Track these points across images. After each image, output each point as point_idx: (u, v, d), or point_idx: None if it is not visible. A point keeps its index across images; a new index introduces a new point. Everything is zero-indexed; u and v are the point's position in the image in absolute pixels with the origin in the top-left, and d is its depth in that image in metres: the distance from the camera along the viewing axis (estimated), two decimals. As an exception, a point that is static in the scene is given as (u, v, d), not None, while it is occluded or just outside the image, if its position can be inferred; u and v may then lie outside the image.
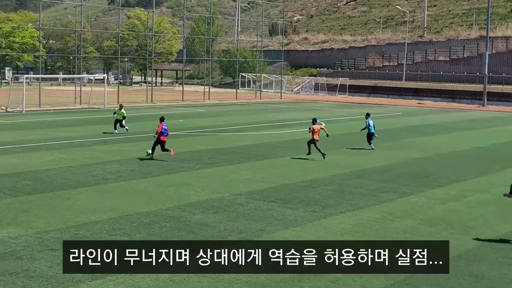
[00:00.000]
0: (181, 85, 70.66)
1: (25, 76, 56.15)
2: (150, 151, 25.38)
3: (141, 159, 25.34)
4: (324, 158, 26.19)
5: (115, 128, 34.12)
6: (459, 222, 16.57)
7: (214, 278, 11.69)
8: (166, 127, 25.55)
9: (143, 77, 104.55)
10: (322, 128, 27.04)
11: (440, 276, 12.06)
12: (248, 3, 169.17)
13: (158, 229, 15.08)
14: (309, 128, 26.88)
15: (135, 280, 11.54)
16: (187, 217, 16.27)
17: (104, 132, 34.36)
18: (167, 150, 25.33)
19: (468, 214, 17.65)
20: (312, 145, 26.64)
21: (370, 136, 30.20)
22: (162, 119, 25.86)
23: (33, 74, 76.89)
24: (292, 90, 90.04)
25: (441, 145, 32.76)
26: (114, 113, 34.70)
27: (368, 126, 30.10)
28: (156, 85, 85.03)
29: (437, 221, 16.66)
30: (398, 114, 54.56)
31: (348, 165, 25.42)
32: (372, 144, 30.08)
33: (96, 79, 66.00)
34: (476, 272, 12.68)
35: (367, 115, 30.87)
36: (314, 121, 27.09)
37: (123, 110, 34.22)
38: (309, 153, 26.70)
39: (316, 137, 26.41)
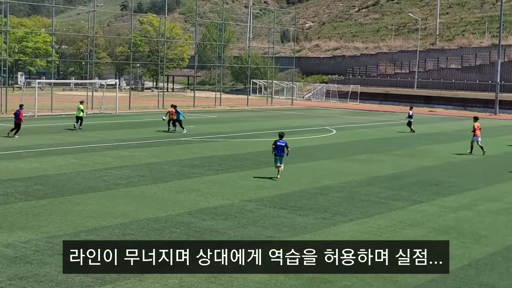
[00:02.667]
0: (192, 91, 70.83)
1: (38, 81, 56.22)
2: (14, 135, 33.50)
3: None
4: (168, 131, 38.30)
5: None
6: (470, 231, 16.49)
7: (223, 284, 11.69)
8: (18, 112, 33.82)
9: (154, 83, 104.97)
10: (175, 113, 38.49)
11: (450, 285, 12.04)
12: (260, 10, 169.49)
13: (168, 235, 15.10)
14: (167, 113, 39.18)
15: (144, 285, 11.56)
16: (197, 223, 16.29)
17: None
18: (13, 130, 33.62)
19: (479, 223, 17.55)
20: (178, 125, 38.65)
21: (179, 122, 38.97)
22: (21, 106, 34.72)
23: (45, 79, 77.25)
24: (303, 97, 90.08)
25: (452, 153, 32.63)
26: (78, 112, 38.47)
27: (178, 115, 39.20)
28: (167, 91, 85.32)
29: (447, 229, 16.59)
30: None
31: (358, 172, 25.38)
32: (175, 128, 38.96)
33: (107, 85, 66.20)
34: (487, 281, 12.61)
35: (174, 106, 39.78)
36: (174, 106, 39.07)
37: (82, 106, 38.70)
38: (169, 129, 38.80)
39: (173, 117, 38.43)
